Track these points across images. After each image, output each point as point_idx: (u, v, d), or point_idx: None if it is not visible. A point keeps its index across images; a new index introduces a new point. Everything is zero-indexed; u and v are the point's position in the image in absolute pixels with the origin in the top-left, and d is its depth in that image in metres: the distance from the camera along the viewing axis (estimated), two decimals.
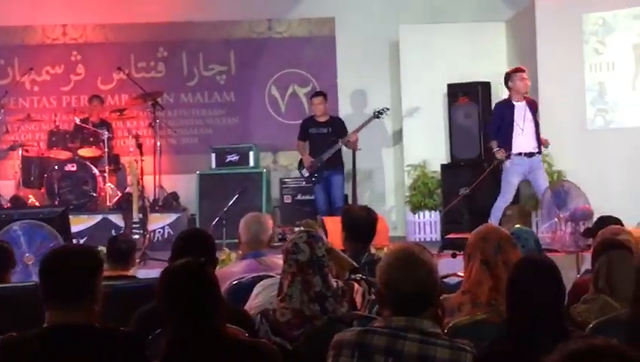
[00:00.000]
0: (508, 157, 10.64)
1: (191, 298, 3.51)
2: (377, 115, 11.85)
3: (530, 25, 12.28)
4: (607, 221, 6.45)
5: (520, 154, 10.65)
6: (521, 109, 10.68)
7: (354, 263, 5.08)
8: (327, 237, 5.17)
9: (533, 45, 12.16)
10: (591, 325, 4.27)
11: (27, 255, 8.00)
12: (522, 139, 10.66)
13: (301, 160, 12.07)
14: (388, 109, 12.04)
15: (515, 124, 10.64)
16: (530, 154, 10.67)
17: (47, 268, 3.61)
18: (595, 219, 8.33)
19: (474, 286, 4.47)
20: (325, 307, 4.41)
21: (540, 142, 10.75)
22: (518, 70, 10.84)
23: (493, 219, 10.30)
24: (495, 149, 10.74)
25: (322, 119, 12.02)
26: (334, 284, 4.50)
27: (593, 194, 10.04)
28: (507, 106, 10.83)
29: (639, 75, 11.72)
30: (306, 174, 11.95)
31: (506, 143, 10.67)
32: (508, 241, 4.59)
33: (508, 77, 10.82)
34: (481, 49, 13.00)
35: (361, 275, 4.88)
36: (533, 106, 10.79)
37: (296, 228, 4.83)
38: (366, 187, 13.25)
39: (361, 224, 6.02)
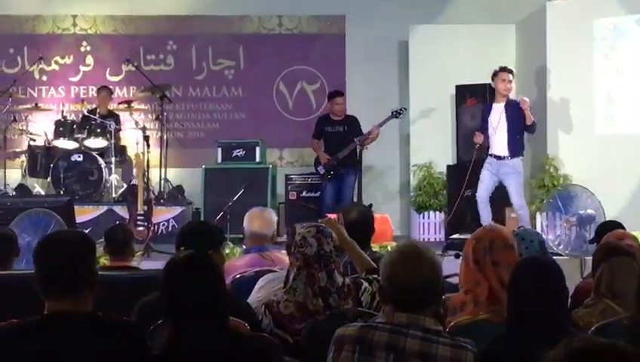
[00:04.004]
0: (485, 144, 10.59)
1: (194, 290, 3.50)
2: (396, 114, 11.74)
3: (541, 28, 12.24)
4: (609, 226, 6.43)
5: (490, 155, 10.59)
6: (497, 111, 10.56)
7: (372, 263, 5.03)
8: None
9: (543, 49, 12.13)
10: (593, 328, 4.26)
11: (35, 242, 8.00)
12: (493, 140, 10.55)
13: (317, 157, 11.95)
14: (405, 109, 11.99)
15: (490, 124, 10.57)
16: (498, 157, 10.56)
17: (42, 256, 3.54)
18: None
19: (473, 286, 4.46)
20: (329, 302, 4.41)
21: (515, 149, 10.49)
22: (502, 70, 10.65)
23: (484, 216, 10.34)
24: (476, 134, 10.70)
25: (337, 118, 11.92)
26: (340, 281, 4.50)
27: (599, 198, 10.04)
28: (489, 106, 10.80)
29: None
30: (323, 171, 11.80)
31: (487, 142, 10.66)
32: (501, 242, 4.52)
33: (493, 76, 10.69)
34: (491, 51, 12.93)
35: (376, 276, 4.83)
36: (513, 110, 10.45)
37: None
38: (371, 186, 13.20)
39: (354, 224, 5.92)
